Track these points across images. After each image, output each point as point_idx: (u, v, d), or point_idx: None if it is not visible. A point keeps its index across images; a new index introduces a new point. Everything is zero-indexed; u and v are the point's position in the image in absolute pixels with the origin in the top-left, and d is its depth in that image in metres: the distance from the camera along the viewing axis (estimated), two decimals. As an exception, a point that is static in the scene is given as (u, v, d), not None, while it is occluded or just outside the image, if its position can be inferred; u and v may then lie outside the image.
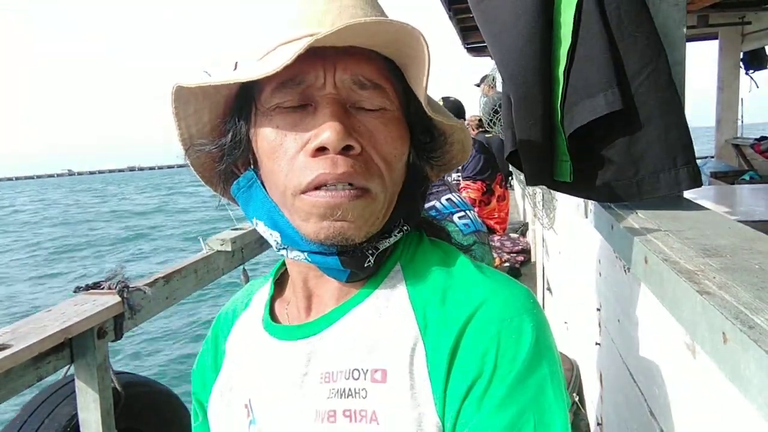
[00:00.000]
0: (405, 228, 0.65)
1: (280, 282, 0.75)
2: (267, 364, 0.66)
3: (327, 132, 0.55)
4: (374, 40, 0.57)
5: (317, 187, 0.57)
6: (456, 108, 4.29)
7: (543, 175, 1.18)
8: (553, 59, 1.11)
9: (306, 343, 0.63)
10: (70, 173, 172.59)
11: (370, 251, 0.61)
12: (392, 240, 0.64)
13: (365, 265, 0.61)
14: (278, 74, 0.54)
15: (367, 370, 0.58)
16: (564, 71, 1.08)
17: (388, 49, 0.59)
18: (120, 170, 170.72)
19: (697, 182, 1.02)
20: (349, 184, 0.57)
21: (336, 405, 0.58)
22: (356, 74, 0.58)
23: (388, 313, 0.61)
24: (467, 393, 0.54)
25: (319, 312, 0.65)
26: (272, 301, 0.73)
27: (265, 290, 0.75)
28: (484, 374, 0.54)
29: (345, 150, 0.56)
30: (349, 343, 0.61)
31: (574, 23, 1.05)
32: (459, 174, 4.27)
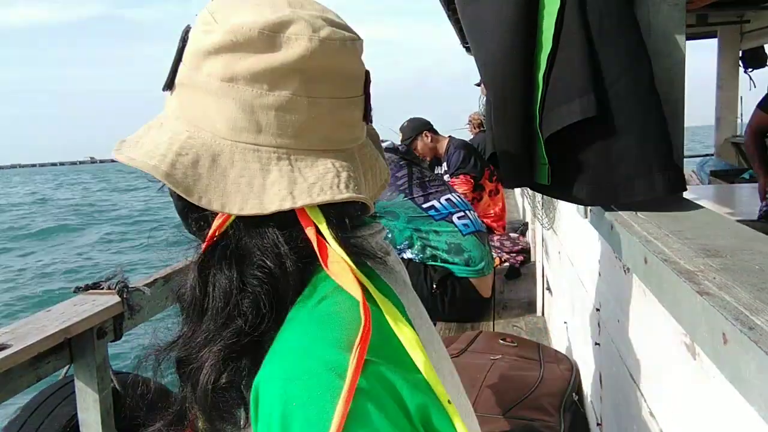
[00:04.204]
0: None
1: None
2: None
3: None
4: None
5: None
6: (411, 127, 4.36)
7: (519, 178, 1.22)
8: (534, 64, 1.12)
9: None
10: (93, 161, 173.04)
11: None
12: None
13: None
14: None
15: None
16: (543, 76, 1.09)
17: None
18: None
19: (676, 188, 1.03)
20: None
21: None
22: None
23: None
24: None
25: None
26: None
27: None
28: None
29: None
30: None
31: (555, 29, 1.06)
32: (446, 173, 4.27)
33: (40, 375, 1.54)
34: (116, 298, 1.72)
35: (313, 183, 0.58)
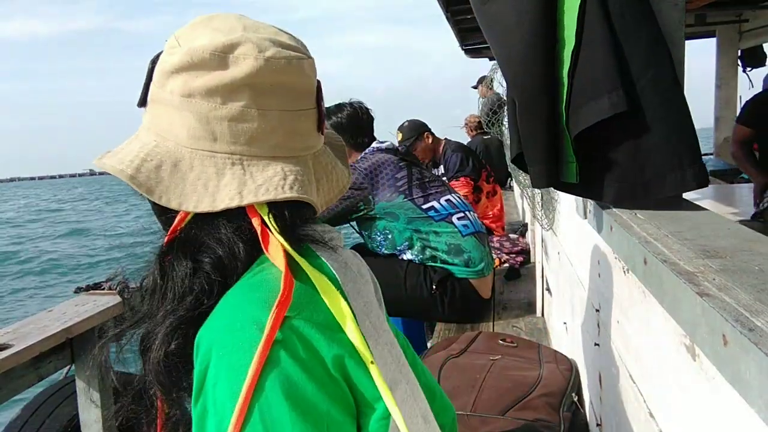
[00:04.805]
0: None
1: None
2: None
3: None
4: None
5: None
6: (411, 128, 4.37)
7: (548, 178, 1.18)
8: (558, 62, 1.11)
9: None
10: (92, 173, 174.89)
11: None
12: None
13: None
14: None
15: None
16: (568, 73, 1.07)
17: None
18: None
19: (704, 182, 1.02)
20: None
21: None
22: None
23: None
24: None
25: None
26: None
27: None
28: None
29: None
30: None
31: (577, 25, 1.05)
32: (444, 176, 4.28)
33: (42, 375, 1.54)
34: (117, 299, 1.72)
35: (260, 184, 0.67)
